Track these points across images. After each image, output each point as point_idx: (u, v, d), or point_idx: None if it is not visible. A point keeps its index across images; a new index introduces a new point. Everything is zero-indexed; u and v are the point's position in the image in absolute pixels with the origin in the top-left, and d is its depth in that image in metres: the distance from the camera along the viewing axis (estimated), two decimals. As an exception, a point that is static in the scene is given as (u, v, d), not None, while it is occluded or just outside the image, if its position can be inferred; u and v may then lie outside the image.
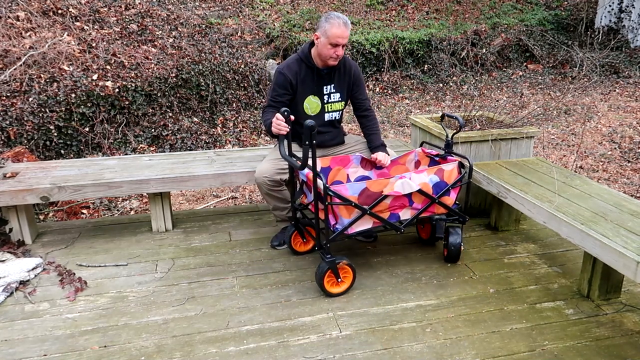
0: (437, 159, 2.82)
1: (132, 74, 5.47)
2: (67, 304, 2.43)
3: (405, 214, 2.54)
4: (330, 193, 2.30)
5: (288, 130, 2.49)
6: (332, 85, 2.82)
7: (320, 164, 2.77)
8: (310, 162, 2.49)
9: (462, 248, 2.73)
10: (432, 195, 2.54)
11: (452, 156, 2.73)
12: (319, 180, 2.32)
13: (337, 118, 2.92)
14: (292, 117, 2.54)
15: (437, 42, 8.34)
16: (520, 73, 8.49)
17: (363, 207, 2.37)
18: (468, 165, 2.62)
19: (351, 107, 3.15)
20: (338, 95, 2.86)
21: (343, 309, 2.38)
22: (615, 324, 2.26)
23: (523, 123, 3.48)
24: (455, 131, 2.82)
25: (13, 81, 4.93)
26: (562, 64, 8.68)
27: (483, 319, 2.30)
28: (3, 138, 4.55)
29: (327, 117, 2.87)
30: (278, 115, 2.45)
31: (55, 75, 5.11)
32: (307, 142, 2.28)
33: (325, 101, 2.84)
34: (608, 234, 2.18)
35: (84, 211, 4.07)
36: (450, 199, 2.63)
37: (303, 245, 2.89)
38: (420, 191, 2.48)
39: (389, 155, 2.86)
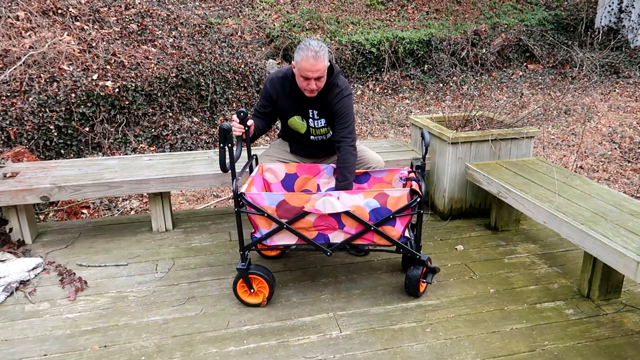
0: (405, 182, 2.54)
1: (132, 74, 5.47)
2: (67, 303, 2.43)
3: (336, 237, 2.30)
4: (243, 200, 2.22)
5: (242, 131, 2.43)
6: (317, 111, 2.66)
7: (285, 169, 2.68)
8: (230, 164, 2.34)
9: (427, 283, 2.44)
10: (369, 222, 2.25)
11: (419, 180, 2.36)
12: (234, 184, 2.24)
13: (324, 139, 2.78)
14: (251, 122, 2.49)
15: (437, 42, 8.34)
16: (520, 73, 8.49)
17: (279, 220, 2.23)
18: (422, 193, 2.26)
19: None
20: (323, 121, 2.69)
21: (343, 309, 2.38)
22: (616, 324, 2.26)
23: (523, 123, 3.48)
24: (426, 149, 2.45)
25: (13, 81, 4.93)
26: (562, 64, 8.68)
27: (483, 319, 2.30)
28: (3, 138, 4.55)
29: (313, 138, 2.76)
30: (234, 116, 2.40)
31: (55, 75, 5.11)
32: (221, 145, 2.21)
33: (310, 124, 2.70)
34: (608, 234, 2.18)
35: (84, 211, 4.07)
36: (396, 230, 2.29)
37: (270, 249, 2.85)
38: (349, 214, 2.21)
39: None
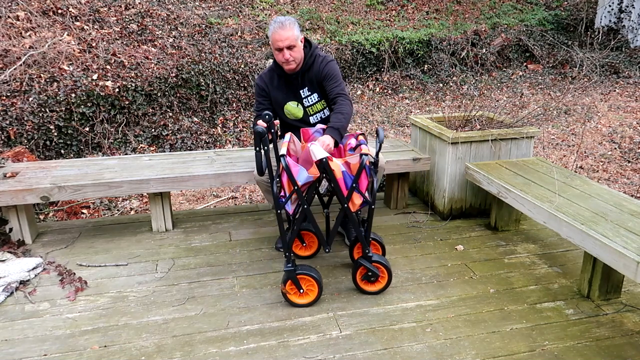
0: (353, 152, 2.54)
1: (132, 74, 5.47)
2: (67, 303, 2.43)
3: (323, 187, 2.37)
4: (282, 162, 2.22)
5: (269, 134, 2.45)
6: (306, 88, 2.78)
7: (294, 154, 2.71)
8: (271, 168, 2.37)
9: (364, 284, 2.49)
10: (342, 181, 2.29)
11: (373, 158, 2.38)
12: (273, 187, 2.25)
13: (323, 117, 2.87)
14: (277, 122, 2.52)
15: (437, 42, 8.34)
16: (520, 73, 8.49)
17: (304, 200, 2.28)
18: (375, 186, 2.30)
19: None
20: (315, 95, 2.81)
21: (343, 309, 2.38)
22: (616, 324, 2.26)
23: (523, 123, 3.48)
24: (378, 148, 2.41)
25: (13, 81, 4.93)
26: (562, 64, 8.67)
27: (483, 319, 2.30)
28: (3, 138, 4.55)
29: (312, 119, 2.84)
30: (260, 121, 2.43)
31: (55, 75, 5.11)
32: (257, 149, 2.24)
33: (305, 105, 2.80)
34: (608, 234, 2.18)
35: (84, 211, 4.07)
36: (359, 197, 2.33)
37: (304, 249, 2.87)
38: (325, 167, 2.22)
39: (330, 144, 2.46)
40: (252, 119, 2.84)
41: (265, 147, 2.26)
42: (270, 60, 7.27)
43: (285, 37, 2.54)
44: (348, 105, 2.64)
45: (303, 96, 2.79)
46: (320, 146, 2.29)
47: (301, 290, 2.37)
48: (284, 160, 2.23)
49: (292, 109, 2.80)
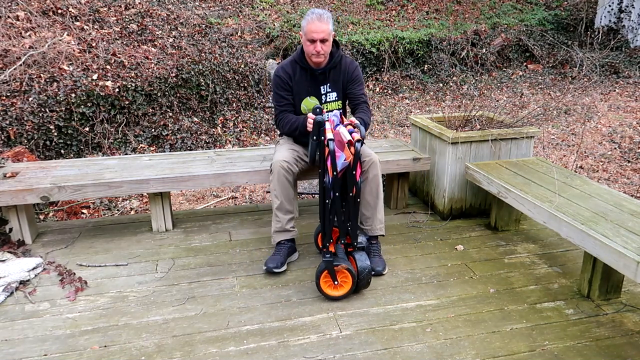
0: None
1: (132, 74, 5.46)
2: (68, 303, 2.43)
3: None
4: (330, 147, 2.24)
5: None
6: (328, 84, 2.81)
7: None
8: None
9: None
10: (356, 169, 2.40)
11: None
12: (330, 146, 2.26)
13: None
14: (325, 111, 2.55)
15: (437, 42, 8.34)
16: (520, 73, 8.49)
17: (339, 187, 2.31)
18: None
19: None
20: (334, 94, 2.85)
21: (343, 309, 2.38)
22: (616, 324, 2.26)
23: (523, 123, 3.48)
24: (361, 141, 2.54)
25: (13, 81, 4.93)
26: (562, 64, 8.67)
27: (483, 319, 2.30)
28: (3, 138, 4.55)
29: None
30: (310, 114, 2.45)
31: (55, 75, 5.11)
32: (314, 137, 2.28)
33: (322, 101, 2.84)
34: (608, 234, 2.18)
35: (84, 211, 4.07)
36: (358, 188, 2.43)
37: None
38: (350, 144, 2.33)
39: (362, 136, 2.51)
40: (275, 116, 2.85)
41: (323, 137, 2.28)
42: (271, 61, 7.27)
43: (321, 29, 2.58)
44: (369, 111, 2.81)
45: (322, 92, 2.82)
46: (345, 129, 2.37)
47: (335, 282, 2.38)
48: (332, 144, 2.24)
49: (310, 104, 2.82)
